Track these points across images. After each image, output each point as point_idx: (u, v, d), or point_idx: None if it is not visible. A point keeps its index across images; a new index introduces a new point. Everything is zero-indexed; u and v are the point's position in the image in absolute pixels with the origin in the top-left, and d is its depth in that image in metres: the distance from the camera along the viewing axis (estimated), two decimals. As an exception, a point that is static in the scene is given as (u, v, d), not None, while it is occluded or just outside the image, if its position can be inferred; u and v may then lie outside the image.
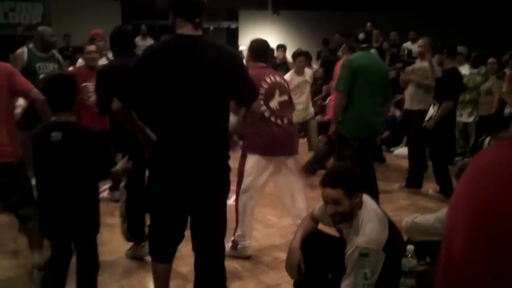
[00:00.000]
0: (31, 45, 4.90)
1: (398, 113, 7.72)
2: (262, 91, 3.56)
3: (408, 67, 6.13)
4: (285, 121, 3.69)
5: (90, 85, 4.51)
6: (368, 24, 9.91)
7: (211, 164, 2.43)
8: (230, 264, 3.40)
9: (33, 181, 5.01)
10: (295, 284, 2.76)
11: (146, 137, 2.53)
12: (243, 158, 3.71)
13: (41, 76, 4.89)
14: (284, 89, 3.78)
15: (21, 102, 4.13)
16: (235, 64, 2.46)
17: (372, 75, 4.36)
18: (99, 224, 2.67)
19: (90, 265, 2.67)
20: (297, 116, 5.91)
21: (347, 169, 2.47)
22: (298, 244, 2.60)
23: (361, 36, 4.48)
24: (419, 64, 5.93)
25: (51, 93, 2.57)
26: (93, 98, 4.47)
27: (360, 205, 2.37)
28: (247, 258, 3.63)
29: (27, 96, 3.24)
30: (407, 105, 6.14)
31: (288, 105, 3.78)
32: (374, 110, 4.37)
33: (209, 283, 2.61)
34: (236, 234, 3.65)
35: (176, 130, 2.39)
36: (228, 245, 3.60)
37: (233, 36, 14.50)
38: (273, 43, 11.49)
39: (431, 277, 2.24)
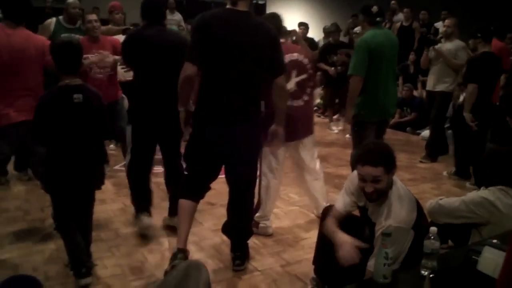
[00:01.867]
0: (61, 17, 5.01)
1: (425, 94, 7.57)
2: None
3: (433, 46, 5.91)
4: (302, 102, 3.62)
5: (92, 57, 4.49)
6: (393, 2, 9.68)
7: (246, 122, 2.84)
8: (251, 241, 3.43)
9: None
10: (315, 261, 2.77)
11: (187, 113, 2.93)
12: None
13: None
14: (302, 67, 3.62)
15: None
16: (273, 38, 2.83)
17: (387, 53, 4.08)
18: (103, 180, 3.00)
19: (89, 209, 3.00)
20: None
21: (384, 146, 2.44)
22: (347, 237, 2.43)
23: (375, 9, 4.03)
24: (447, 44, 5.77)
25: (61, 58, 2.73)
26: (95, 70, 4.53)
27: (391, 183, 2.36)
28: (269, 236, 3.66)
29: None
30: (429, 86, 6.03)
31: (307, 83, 3.66)
32: (389, 91, 4.16)
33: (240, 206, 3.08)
34: (257, 214, 3.66)
35: (221, 90, 2.76)
36: None
37: (260, 12, 14.34)
38: (300, 19, 11.34)
39: (452, 261, 2.22)
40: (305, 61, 3.67)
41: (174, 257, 2.83)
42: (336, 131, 7.73)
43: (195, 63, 2.71)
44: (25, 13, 3.50)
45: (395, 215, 2.26)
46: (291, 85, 3.51)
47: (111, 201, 4.34)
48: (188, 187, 2.98)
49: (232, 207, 3.12)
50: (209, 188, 3.04)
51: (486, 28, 5.11)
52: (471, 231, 2.92)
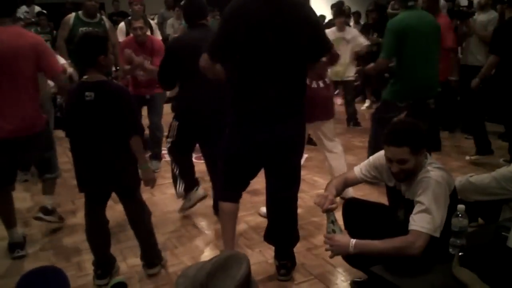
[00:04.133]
0: (80, 12, 5.14)
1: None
2: None
3: (467, 19, 5.70)
4: (323, 83, 3.59)
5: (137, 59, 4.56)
6: None
7: (289, 118, 2.55)
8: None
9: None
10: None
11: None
12: None
13: None
14: None
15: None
16: (313, 19, 2.54)
17: (422, 33, 4.07)
18: (137, 178, 2.81)
19: (138, 212, 2.89)
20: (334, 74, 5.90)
21: (411, 125, 2.30)
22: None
23: None
24: (480, 16, 5.58)
25: (77, 51, 2.71)
26: (141, 74, 4.66)
27: (421, 162, 2.25)
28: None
29: (51, 77, 3.30)
30: (463, 60, 5.84)
31: (325, 67, 3.61)
32: (427, 71, 4.14)
33: (282, 225, 2.82)
34: None
35: (259, 81, 2.48)
36: None
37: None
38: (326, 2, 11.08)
39: (481, 238, 2.18)
40: None
41: None
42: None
43: (214, 58, 2.54)
44: (12, 4, 3.14)
45: (433, 177, 2.15)
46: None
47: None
48: (225, 189, 2.79)
49: (275, 211, 2.82)
50: (247, 185, 2.84)
51: None
52: (502, 208, 2.86)
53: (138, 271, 2.97)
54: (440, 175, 2.16)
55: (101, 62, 2.62)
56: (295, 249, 3.00)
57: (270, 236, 2.89)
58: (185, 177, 3.70)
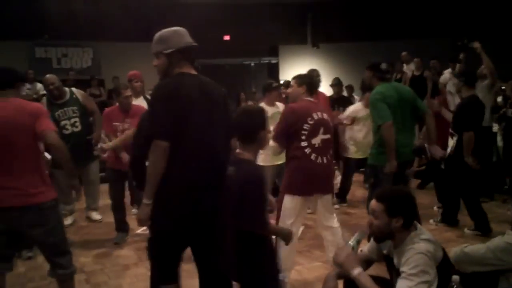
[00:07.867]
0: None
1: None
2: (306, 127, 3.62)
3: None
4: (325, 160, 3.68)
5: (119, 125, 4.89)
6: (404, 53, 9.96)
7: (221, 186, 2.59)
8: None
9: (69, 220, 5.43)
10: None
11: None
12: (281, 195, 3.71)
13: (63, 123, 5.15)
14: (328, 127, 3.76)
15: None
16: (225, 96, 2.78)
17: (399, 103, 4.21)
18: None
19: None
20: None
21: (400, 192, 2.47)
22: (334, 272, 2.57)
23: (384, 65, 4.28)
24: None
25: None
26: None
27: (406, 230, 2.34)
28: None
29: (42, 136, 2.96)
30: None
31: (329, 143, 3.76)
32: (406, 139, 4.28)
33: None
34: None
35: (198, 156, 2.55)
36: None
37: (273, 71, 14.69)
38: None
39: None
40: (330, 123, 3.82)
41: None
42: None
43: (169, 139, 2.47)
44: (12, 77, 3.07)
45: (417, 248, 2.23)
46: (317, 140, 3.65)
47: (134, 266, 4.35)
48: (164, 273, 2.70)
49: (222, 281, 2.69)
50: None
51: (470, 73, 5.28)
52: (499, 278, 2.85)
53: None
54: (424, 248, 2.23)
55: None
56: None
57: None
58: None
